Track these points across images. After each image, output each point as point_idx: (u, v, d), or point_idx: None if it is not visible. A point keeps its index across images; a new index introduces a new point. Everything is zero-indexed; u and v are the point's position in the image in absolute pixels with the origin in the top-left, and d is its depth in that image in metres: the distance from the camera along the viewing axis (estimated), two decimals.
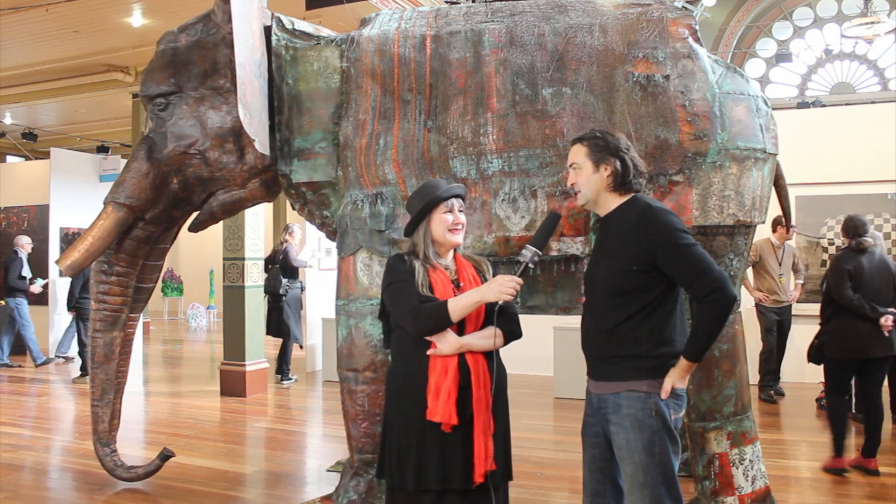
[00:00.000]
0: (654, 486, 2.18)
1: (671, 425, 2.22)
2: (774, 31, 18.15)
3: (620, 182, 2.32)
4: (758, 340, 6.54)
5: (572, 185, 2.42)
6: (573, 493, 4.03)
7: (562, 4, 3.33)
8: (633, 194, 2.35)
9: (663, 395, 2.20)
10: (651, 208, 2.27)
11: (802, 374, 6.46)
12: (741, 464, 3.14)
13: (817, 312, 6.72)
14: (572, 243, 3.16)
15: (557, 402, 6.58)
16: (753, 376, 6.97)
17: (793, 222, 6.31)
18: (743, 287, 6.36)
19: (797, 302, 6.67)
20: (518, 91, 3.19)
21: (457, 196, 2.46)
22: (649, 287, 2.21)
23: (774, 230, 6.40)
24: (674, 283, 2.24)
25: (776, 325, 6.44)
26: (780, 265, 6.43)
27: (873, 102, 11.89)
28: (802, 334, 6.84)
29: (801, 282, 6.71)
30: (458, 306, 2.30)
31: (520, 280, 2.29)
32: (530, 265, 2.35)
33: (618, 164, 2.31)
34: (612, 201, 2.35)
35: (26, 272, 8.85)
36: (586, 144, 2.37)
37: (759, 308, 6.47)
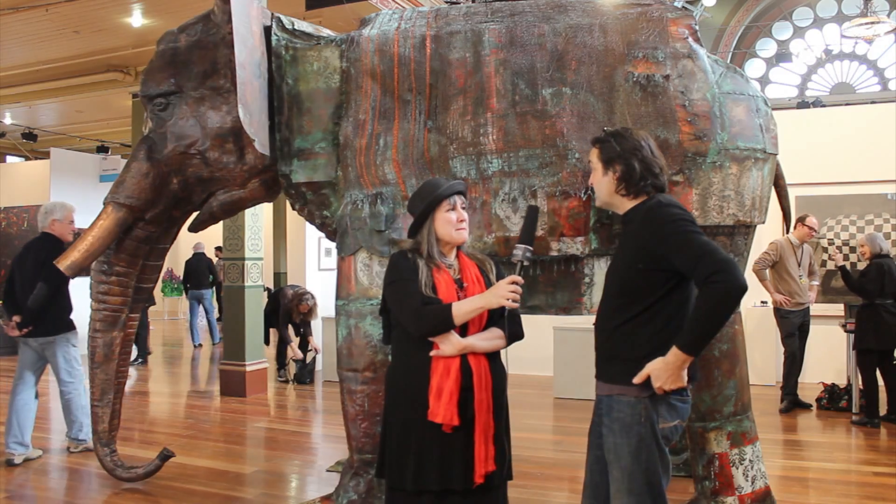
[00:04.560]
0: (639, 493, 2.15)
1: (659, 434, 2.17)
2: (774, 31, 18.15)
3: (628, 185, 2.28)
4: (777, 343, 6.43)
5: (591, 184, 2.44)
6: (573, 493, 4.03)
7: (562, 4, 3.32)
8: (647, 196, 2.29)
9: (636, 381, 2.13)
10: (658, 203, 2.24)
11: (803, 375, 6.44)
12: (741, 464, 3.14)
13: (835, 313, 6.78)
14: (572, 243, 3.16)
15: (557, 402, 6.58)
16: (766, 378, 6.99)
17: (813, 222, 6.25)
18: (762, 288, 6.32)
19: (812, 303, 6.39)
20: (518, 91, 3.19)
21: (458, 193, 2.46)
22: (653, 288, 2.18)
23: (795, 228, 6.12)
24: (678, 287, 2.18)
25: (797, 329, 6.15)
26: (799, 266, 6.14)
27: (873, 102, 11.88)
28: (821, 336, 6.84)
29: (818, 283, 6.47)
30: (461, 311, 2.29)
31: (520, 279, 2.29)
32: (525, 263, 2.35)
33: (622, 168, 2.27)
34: (626, 203, 2.32)
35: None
36: (599, 146, 2.36)
37: (780, 312, 6.12)
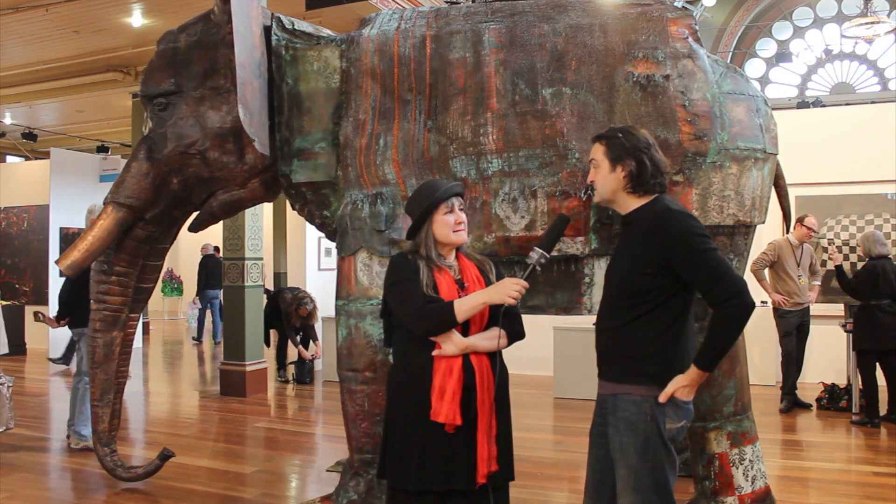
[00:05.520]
0: (645, 492, 2.15)
1: (664, 433, 2.17)
2: (774, 31, 18.16)
3: (637, 183, 2.27)
4: (777, 343, 6.41)
5: (591, 182, 2.39)
6: (573, 492, 4.03)
7: (562, 4, 3.32)
8: (654, 195, 2.29)
9: (661, 399, 2.15)
10: (670, 211, 2.22)
11: (803, 375, 6.44)
12: (741, 464, 3.14)
13: (835, 313, 6.79)
14: (572, 243, 3.15)
15: (557, 402, 6.58)
16: (766, 378, 7.00)
17: (812, 222, 6.25)
18: (761, 288, 6.33)
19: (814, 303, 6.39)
20: (518, 91, 3.19)
21: (456, 195, 2.46)
22: (660, 291, 2.18)
23: (794, 228, 6.12)
24: (684, 289, 2.20)
25: (796, 329, 6.16)
26: (798, 266, 6.14)
27: (873, 102, 11.89)
28: (821, 336, 6.84)
29: (819, 283, 6.46)
30: (463, 308, 2.29)
31: (525, 283, 2.28)
32: (537, 267, 2.34)
33: (634, 164, 2.25)
34: (631, 202, 2.30)
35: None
36: (605, 143, 2.32)
37: (778, 312, 6.17)
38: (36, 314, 5.42)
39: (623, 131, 2.33)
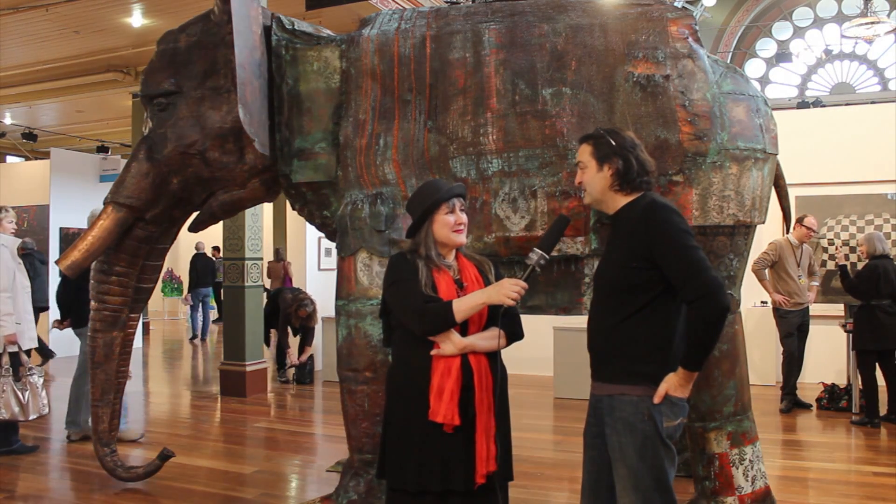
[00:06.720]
0: (645, 490, 2.15)
1: (662, 432, 2.17)
2: (774, 31, 18.17)
3: (624, 181, 2.28)
4: (777, 343, 6.41)
5: (579, 183, 2.40)
6: (573, 493, 4.03)
7: (562, 4, 3.32)
8: (640, 193, 2.31)
9: (656, 400, 2.15)
10: (655, 204, 2.24)
11: (803, 375, 6.44)
12: (741, 464, 3.14)
13: (835, 313, 6.78)
14: (572, 243, 3.16)
15: (557, 402, 6.58)
16: (766, 378, 7.01)
17: (812, 223, 6.25)
18: (762, 288, 6.33)
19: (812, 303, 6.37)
20: (518, 91, 3.19)
21: (457, 196, 2.46)
22: (648, 286, 2.18)
23: (794, 228, 6.13)
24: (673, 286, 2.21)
25: (797, 329, 6.16)
26: (798, 266, 6.15)
27: (873, 102, 11.89)
28: (821, 336, 6.83)
29: (817, 283, 6.46)
30: (462, 308, 2.29)
31: (525, 284, 2.28)
32: (536, 268, 2.34)
33: (620, 163, 2.27)
34: (619, 200, 2.31)
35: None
36: (591, 143, 2.35)
37: (779, 312, 6.17)
38: (55, 322, 5.61)
39: (608, 132, 2.35)
